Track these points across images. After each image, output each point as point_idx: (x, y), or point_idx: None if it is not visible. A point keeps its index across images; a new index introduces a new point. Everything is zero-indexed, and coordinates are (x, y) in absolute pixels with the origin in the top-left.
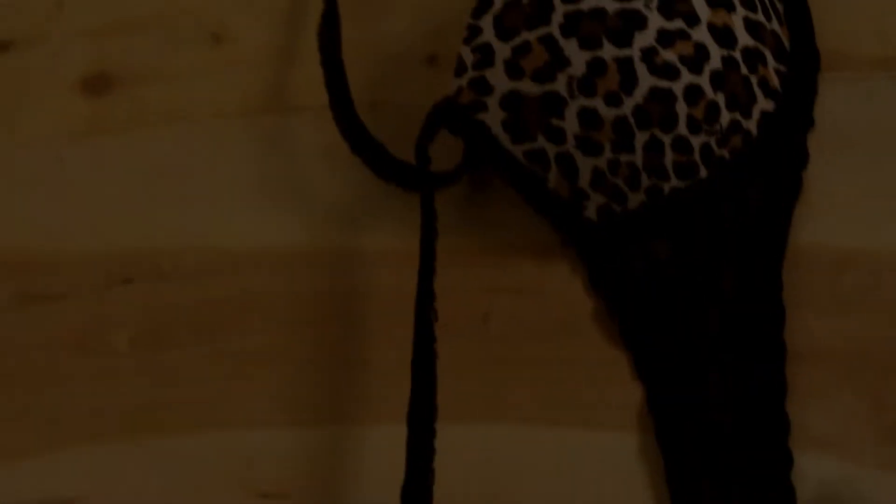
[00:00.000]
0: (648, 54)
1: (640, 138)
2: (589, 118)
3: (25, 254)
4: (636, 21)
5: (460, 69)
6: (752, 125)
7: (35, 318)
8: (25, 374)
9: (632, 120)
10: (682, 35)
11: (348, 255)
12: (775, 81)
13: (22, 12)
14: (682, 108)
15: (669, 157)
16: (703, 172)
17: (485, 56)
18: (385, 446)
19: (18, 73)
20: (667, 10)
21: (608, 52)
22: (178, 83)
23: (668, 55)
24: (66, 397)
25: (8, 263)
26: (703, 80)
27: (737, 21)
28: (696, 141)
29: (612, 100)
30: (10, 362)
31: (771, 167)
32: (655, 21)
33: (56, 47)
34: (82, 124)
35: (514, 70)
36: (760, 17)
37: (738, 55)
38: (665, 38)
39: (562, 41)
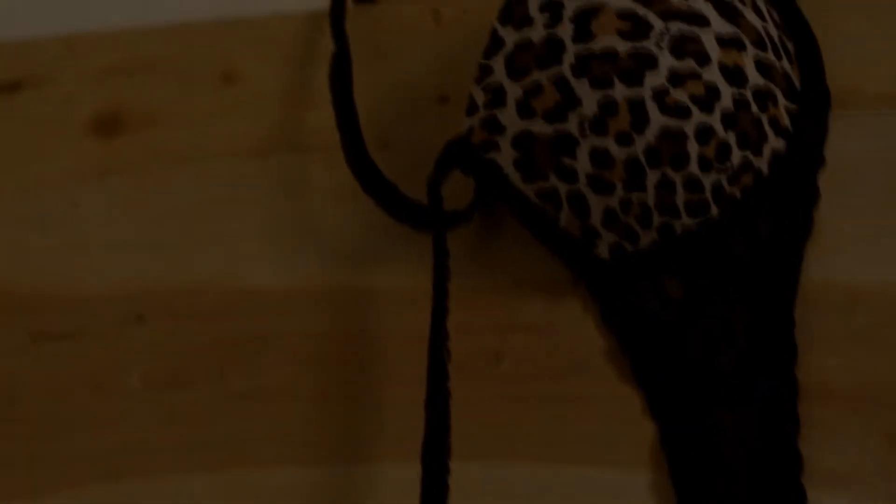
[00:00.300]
0: (660, 94)
1: (652, 177)
2: (600, 158)
3: (40, 293)
4: (647, 61)
5: (472, 109)
6: (762, 164)
7: (49, 357)
8: (40, 413)
9: (643, 159)
10: (694, 75)
11: (360, 295)
12: (786, 120)
13: (33, 53)
14: (693, 148)
15: (681, 196)
16: (715, 211)
17: (496, 96)
18: (399, 485)
19: (30, 113)
20: (678, 51)
21: (619, 92)
22: (190, 124)
23: (680, 95)
24: (80, 436)
25: (22, 303)
26: (715, 120)
27: (747, 61)
28: (708, 180)
29: (624, 139)
30: (25, 401)
31: (782, 205)
32: (666, 61)
33: (67, 88)
34: (94, 165)
35: (525, 110)
36: (771, 56)
37: (748, 94)
38: (676, 78)
39: (573, 81)
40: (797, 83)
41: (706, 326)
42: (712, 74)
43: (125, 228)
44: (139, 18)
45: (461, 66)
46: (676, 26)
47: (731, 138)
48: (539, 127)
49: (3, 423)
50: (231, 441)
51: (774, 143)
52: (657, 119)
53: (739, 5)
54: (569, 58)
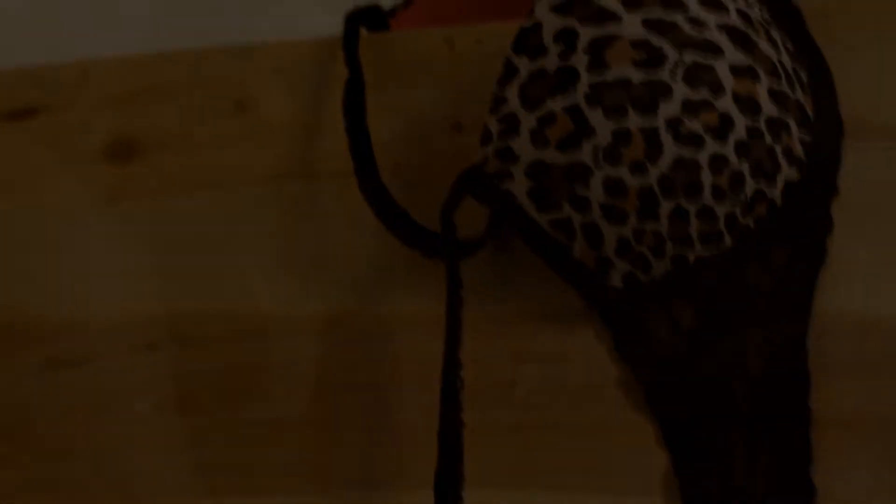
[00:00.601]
0: (674, 124)
1: (666, 207)
2: (614, 187)
3: (51, 320)
4: (661, 91)
5: (486, 138)
6: (776, 194)
7: (60, 383)
8: (51, 439)
9: (657, 189)
10: (707, 105)
11: (373, 322)
12: (799, 150)
13: (48, 80)
14: (707, 178)
15: (694, 226)
16: (728, 241)
17: (510, 125)
18: None
19: (44, 139)
20: (692, 80)
21: (633, 121)
22: (203, 151)
23: (694, 125)
24: (91, 462)
25: (34, 329)
26: (728, 150)
27: (761, 91)
28: (721, 209)
29: (638, 169)
30: (36, 427)
31: (795, 235)
32: (680, 91)
33: (82, 114)
34: (107, 191)
35: (539, 139)
36: (784, 86)
37: (762, 124)
38: (690, 107)
39: (587, 111)
40: (811, 113)
41: (719, 355)
42: (726, 104)
43: (137, 255)
44: (153, 45)
45: (475, 95)
46: (690, 56)
47: (745, 168)
48: (553, 156)
49: (14, 448)
50: (243, 468)
51: (788, 172)
52: (671, 149)
53: (753, 35)
54: (583, 87)
